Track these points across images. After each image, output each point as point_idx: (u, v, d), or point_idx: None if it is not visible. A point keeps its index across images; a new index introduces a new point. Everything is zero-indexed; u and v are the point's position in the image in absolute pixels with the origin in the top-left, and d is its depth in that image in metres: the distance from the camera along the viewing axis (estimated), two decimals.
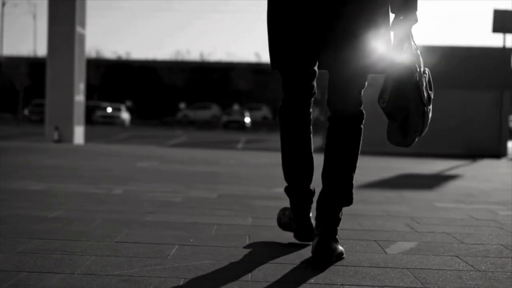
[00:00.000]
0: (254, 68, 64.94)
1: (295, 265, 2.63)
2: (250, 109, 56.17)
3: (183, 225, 3.48)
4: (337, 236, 2.75)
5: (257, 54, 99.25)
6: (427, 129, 2.81)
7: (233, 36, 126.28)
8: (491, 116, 17.32)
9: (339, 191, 2.77)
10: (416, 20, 2.69)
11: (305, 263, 2.68)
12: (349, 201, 2.81)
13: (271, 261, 2.68)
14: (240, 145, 22.47)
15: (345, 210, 3.80)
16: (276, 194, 5.18)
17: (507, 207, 4.86)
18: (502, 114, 17.11)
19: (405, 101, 2.69)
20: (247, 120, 46.97)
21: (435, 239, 3.33)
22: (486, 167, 10.87)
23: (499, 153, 16.85)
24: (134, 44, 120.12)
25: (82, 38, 15.31)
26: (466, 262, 2.77)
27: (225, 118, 47.31)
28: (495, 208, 4.77)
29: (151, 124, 48.77)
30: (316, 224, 2.73)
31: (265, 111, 59.56)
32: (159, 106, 62.19)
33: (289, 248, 2.97)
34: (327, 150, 2.82)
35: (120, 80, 63.77)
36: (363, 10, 2.74)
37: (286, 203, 4.53)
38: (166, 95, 63.18)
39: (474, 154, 16.24)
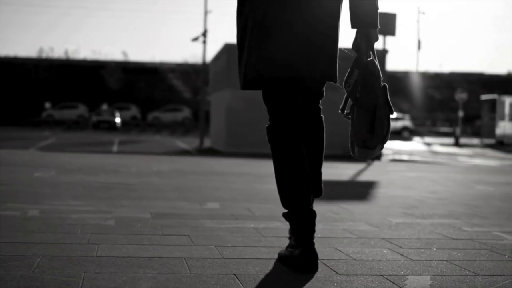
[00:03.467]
0: (122, 67, 63.30)
1: None
2: (119, 109, 54.67)
3: (146, 262, 2.87)
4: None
5: (124, 53, 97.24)
6: (388, 138, 2.79)
7: (98, 34, 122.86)
8: None
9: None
10: (377, 37, 2.80)
11: None
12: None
13: None
14: (114, 147, 21.49)
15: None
16: (213, 212, 4.63)
17: (462, 221, 4.58)
18: None
19: (374, 95, 2.72)
20: (118, 120, 45.63)
21: (442, 270, 2.92)
22: (388, 170, 10.79)
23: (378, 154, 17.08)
24: None
25: None
26: None
27: (94, 118, 45.66)
28: (452, 222, 4.48)
29: (13, 124, 46.20)
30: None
31: (134, 111, 58.27)
32: (22, 105, 59.13)
33: None
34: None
35: None
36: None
37: (229, 222, 3.98)
38: (29, 94, 60.20)
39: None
